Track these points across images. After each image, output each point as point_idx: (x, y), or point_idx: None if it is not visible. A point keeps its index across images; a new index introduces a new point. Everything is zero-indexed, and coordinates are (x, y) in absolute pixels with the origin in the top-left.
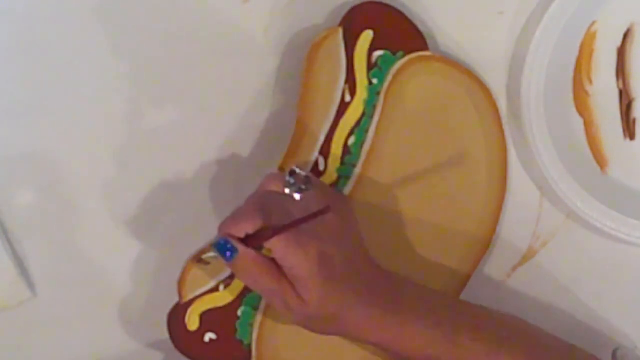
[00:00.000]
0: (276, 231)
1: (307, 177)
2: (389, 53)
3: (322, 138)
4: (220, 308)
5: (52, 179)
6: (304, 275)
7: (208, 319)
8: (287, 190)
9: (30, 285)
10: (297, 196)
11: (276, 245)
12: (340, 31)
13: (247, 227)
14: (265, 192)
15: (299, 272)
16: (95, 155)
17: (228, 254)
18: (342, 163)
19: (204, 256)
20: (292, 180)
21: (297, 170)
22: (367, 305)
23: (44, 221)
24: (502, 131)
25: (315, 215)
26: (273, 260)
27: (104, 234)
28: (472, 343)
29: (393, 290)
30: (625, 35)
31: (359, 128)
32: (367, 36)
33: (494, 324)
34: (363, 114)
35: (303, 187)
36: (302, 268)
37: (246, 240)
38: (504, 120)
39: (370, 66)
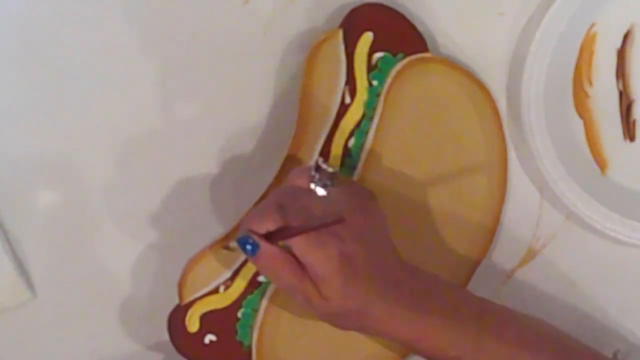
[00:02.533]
0: (297, 231)
1: (332, 173)
2: (389, 55)
3: (322, 139)
4: (220, 310)
5: (52, 180)
6: (325, 274)
7: (208, 320)
8: (312, 186)
9: (30, 286)
10: (320, 191)
11: (297, 244)
12: (341, 33)
13: (268, 225)
14: (290, 188)
15: (319, 270)
16: (96, 156)
17: (250, 249)
18: (342, 164)
19: (231, 244)
20: (317, 176)
21: (323, 166)
22: (391, 304)
23: (44, 222)
24: (502, 132)
25: (328, 224)
26: (295, 256)
27: (104, 235)
28: (496, 344)
29: (418, 288)
30: (625, 37)
31: (359, 129)
32: (367, 38)
33: (519, 326)
34: (363, 116)
35: (328, 182)
36: (323, 267)
37: (268, 236)
38: (504, 122)
39: (370, 68)
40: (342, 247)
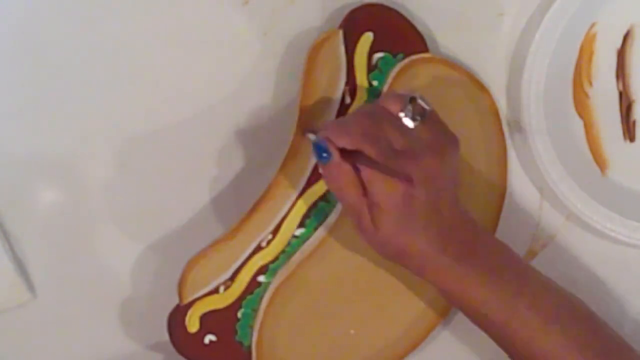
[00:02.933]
0: (369, 163)
1: (425, 109)
2: (389, 55)
3: None
4: (220, 310)
5: (52, 180)
6: (383, 205)
7: (208, 320)
8: (401, 114)
9: (30, 286)
10: (408, 123)
11: (366, 171)
12: (341, 33)
13: (346, 143)
14: (380, 110)
15: (379, 200)
16: (96, 156)
17: (325, 156)
18: None
19: (310, 136)
20: (410, 107)
21: (419, 100)
22: (438, 251)
23: (44, 222)
24: (502, 133)
25: (398, 177)
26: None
27: (103, 235)
28: (528, 311)
29: (469, 240)
30: (625, 37)
31: None
32: (367, 38)
33: (555, 299)
34: None
35: (418, 117)
36: (384, 199)
37: (343, 151)
38: (504, 122)
39: (371, 68)
40: (407, 189)
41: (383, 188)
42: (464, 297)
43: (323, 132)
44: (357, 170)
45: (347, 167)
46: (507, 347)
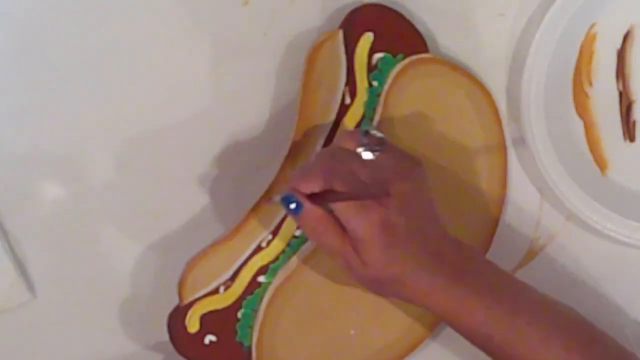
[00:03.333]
0: (341, 197)
1: (381, 138)
2: (389, 55)
3: (322, 140)
4: (220, 310)
5: (52, 180)
6: (366, 240)
7: (208, 321)
8: (360, 150)
9: (30, 287)
10: (367, 155)
11: (340, 208)
12: (341, 33)
13: (313, 187)
14: (337, 150)
15: (360, 235)
16: (95, 156)
17: (294, 208)
18: None
19: (274, 197)
20: (365, 140)
21: (372, 131)
22: (430, 274)
23: (44, 222)
24: (502, 133)
25: (374, 195)
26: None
27: (104, 235)
28: (528, 327)
29: (459, 261)
30: (625, 37)
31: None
32: (367, 38)
33: (553, 312)
34: (363, 116)
35: (377, 148)
36: (364, 233)
37: (313, 197)
38: (504, 122)
39: (371, 68)
40: (385, 215)
41: (360, 219)
42: (463, 319)
43: (287, 185)
44: (330, 212)
45: (320, 211)
46: None
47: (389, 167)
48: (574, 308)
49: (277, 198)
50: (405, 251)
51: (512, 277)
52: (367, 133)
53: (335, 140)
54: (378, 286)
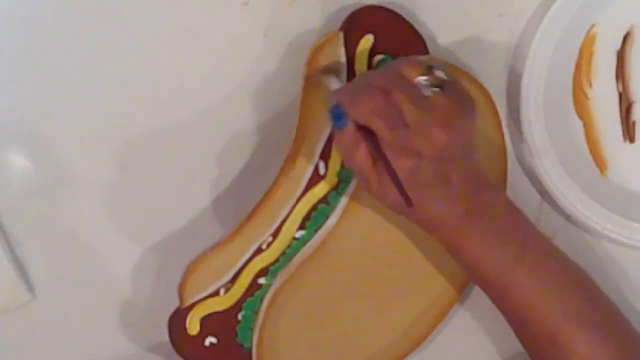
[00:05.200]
0: (376, 144)
1: (444, 80)
2: (389, 57)
3: (323, 141)
4: (221, 312)
5: (52, 181)
6: (390, 178)
7: (209, 323)
8: (420, 80)
9: (30, 288)
10: (425, 91)
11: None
12: (341, 36)
13: (359, 117)
14: (396, 78)
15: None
16: (96, 158)
17: (339, 123)
18: (343, 167)
19: (328, 82)
20: (426, 78)
21: (437, 72)
22: (443, 214)
23: (44, 224)
24: (502, 134)
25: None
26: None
27: (104, 237)
28: (527, 278)
29: (476, 202)
30: (625, 39)
31: None
32: (367, 40)
33: (558, 268)
34: None
35: (436, 88)
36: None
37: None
38: (504, 124)
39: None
40: (414, 162)
41: (393, 159)
42: (465, 256)
43: (338, 95)
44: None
45: (359, 137)
46: (503, 309)
47: (438, 111)
48: (583, 269)
49: (331, 102)
50: (424, 193)
51: (529, 226)
52: (431, 69)
53: (396, 63)
54: (394, 210)
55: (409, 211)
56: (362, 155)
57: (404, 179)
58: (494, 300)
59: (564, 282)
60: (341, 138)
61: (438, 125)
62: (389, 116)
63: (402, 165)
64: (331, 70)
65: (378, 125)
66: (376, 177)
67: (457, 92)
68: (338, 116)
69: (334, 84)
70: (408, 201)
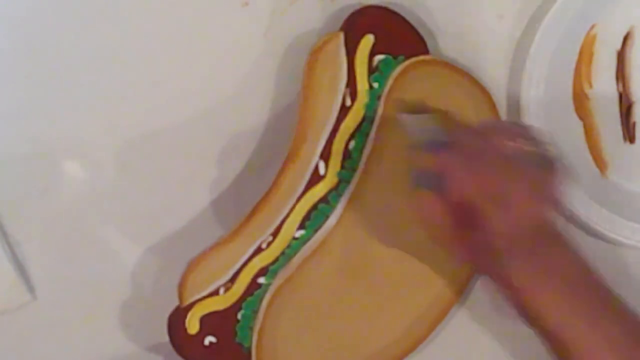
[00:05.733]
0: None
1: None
2: (389, 57)
3: (322, 142)
4: (220, 311)
5: (52, 182)
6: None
7: (208, 322)
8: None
9: (30, 288)
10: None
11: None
12: (341, 36)
13: (464, 196)
14: (499, 153)
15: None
16: (96, 158)
17: (428, 185)
18: (343, 167)
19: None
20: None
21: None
22: (512, 266)
23: (43, 224)
24: None
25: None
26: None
27: (103, 236)
28: (591, 328)
29: (544, 249)
30: (625, 39)
31: (360, 132)
32: (368, 40)
33: (621, 317)
34: (364, 118)
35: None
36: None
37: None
38: None
39: (371, 70)
40: (487, 236)
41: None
42: (534, 307)
43: (442, 158)
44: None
45: (440, 206)
46: (550, 347)
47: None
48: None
49: (421, 178)
50: (498, 259)
51: (598, 280)
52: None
53: (490, 126)
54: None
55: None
56: (443, 227)
57: (478, 252)
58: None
59: (628, 332)
60: (422, 202)
61: (524, 195)
62: (502, 202)
63: (478, 235)
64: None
65: (486, 211)
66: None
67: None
68: (425, 183)
69: (410, 121)
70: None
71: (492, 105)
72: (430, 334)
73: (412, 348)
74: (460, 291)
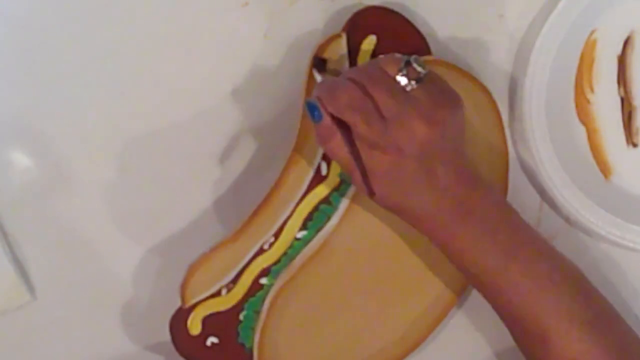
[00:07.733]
0: (349, 138)
1: (421, 74)
2: None
3: None
4: (222, 312)
5: (53, 181)
6: (372, 172)
7: (210, 323)
8: (398, 77)
9: (30, 288)
10: (403, 82)
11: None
12: (344, 36)
13: (334, 110)
14: (377, 72)
15: (368, 167)
16: (96, 158)
17: (316, 116)
18: None
19: (316, 74)
20: (405, 70)
21: (414, 65)
22: (431, 211)
23: (44, 224)
24: (503, 137)
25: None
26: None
27: (105, 237)
28: (521, 277)
29: (465, 199)
30: (626, 43)
31: None
32: (370, 41)
33: (551, 265)
34: None
35: (413, 82)
36: (371, 167)
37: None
38: (506, 129)
39: None
40: (394, 157)
41: (370, 158)
42: (457, 255)
43: (316, 90)
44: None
45: (335, 129)
46: (496, 308)
47: (419, 104)
48: (577, 266)
49: (307, 101)
50: (409, 189)
51: (521, 223)
52: (408, 63)
53: (375, 60)
54: (382, 204)
55: (398, 212)
56: (337, 147)
57: (383, 172)
58: (487, 299)
59: (557, 280)
60: (319, 131)
61: (417, 118)
62: (364, 109)
63: (379, 158)
64: (320, 64)
65: (352, 118)
66: (356, 170)
67: (436, 85)
68: (313, 108)
69: (319, 78)
70: (369, 191)
71: (494, 106)
72: (430, 334)
73: (412, 348)
74: (460, 292)
